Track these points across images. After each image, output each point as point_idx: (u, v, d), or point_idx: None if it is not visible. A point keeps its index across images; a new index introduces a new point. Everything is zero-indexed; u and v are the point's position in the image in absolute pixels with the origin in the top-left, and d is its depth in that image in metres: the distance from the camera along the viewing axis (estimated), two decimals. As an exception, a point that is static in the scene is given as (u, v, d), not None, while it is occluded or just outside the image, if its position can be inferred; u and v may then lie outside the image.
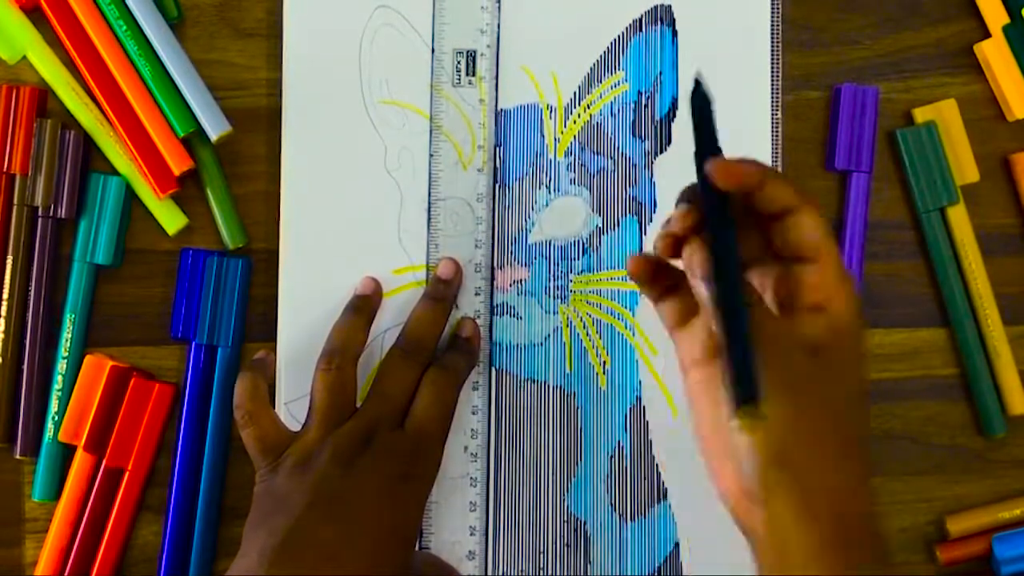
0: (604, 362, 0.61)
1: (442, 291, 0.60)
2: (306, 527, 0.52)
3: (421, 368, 0.58)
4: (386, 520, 0.53)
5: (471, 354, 0.60)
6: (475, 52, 0.61)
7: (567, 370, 0.61)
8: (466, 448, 0.60)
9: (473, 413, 0.60)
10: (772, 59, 0.62)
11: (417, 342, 0.59)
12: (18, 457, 0.60)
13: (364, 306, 0.60)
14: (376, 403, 0.56)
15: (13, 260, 0.59)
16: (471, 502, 0.60)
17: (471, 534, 0.60)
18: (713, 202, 0.47)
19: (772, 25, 0.62)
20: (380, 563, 0.53)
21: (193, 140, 0.60)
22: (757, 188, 0.47)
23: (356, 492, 0.53)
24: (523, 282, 0.62)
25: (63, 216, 0.59)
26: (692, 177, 0.61)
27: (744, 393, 0.43)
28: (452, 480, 0.61)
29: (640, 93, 0.62)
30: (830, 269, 0.47)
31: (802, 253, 0.47)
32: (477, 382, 0.61)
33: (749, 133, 0.62)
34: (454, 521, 0.60)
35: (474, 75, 0.61)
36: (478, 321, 0.61)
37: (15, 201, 0.59)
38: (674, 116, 0.62)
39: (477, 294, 0.61)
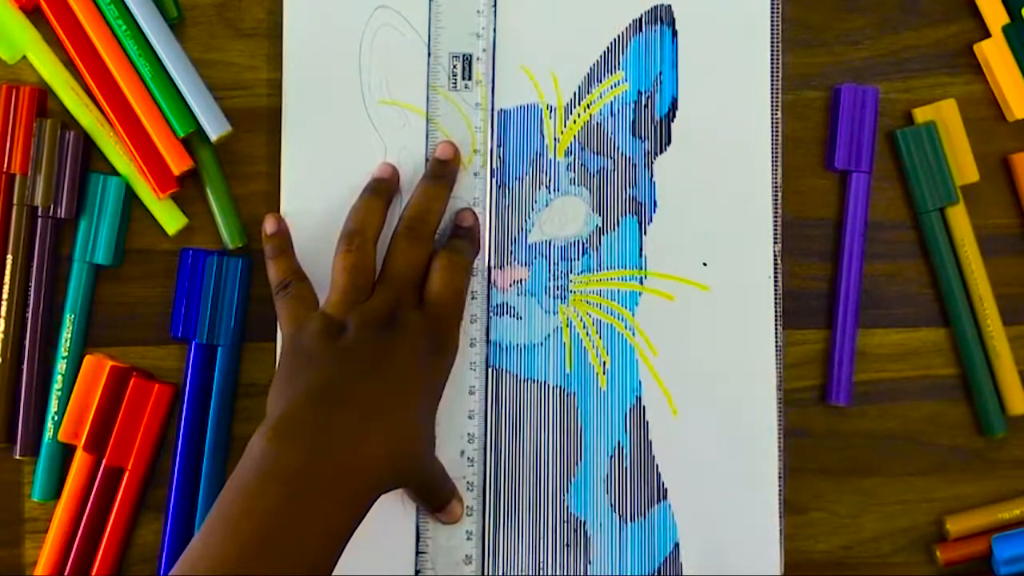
0: (604, 362, 0.61)
1: (442, 170, 0.60)
2: (342, 383, 0.53)
3: (427, 247, 0.58)
4: (417, 385, 0.55)
5: (474, 241, 0.60)
6: (471, 56, 0.61)
7: (567, 370, 0.61)
8: (463, 452, 0.60)
9: (470, 418, 0.60)
10: (772, 59, 0.62)
11: (421, 220, 0.59)
12: (18, 457, 0.60)
13: (382, 188, 0.60)
14: (391, 285, 0.57)
15: (13, 260, 0.59)
16: (468, 506, 0.60)
17: (468, 538, 0.60)
18: None
19: (772, 25, 0.62)
20: (416, 422, 0.55)
21: (193, 140, 0.60)
22: None
23: (388, 359, 0.54)
24: (523, 282, 0.61)
25: (63, 216, 0.59)
26: (691, 177, 0.62)
27: None
28: (451, 481, 0.61)
29: (640, 93, 0.62)
30: None
31: None
32: (473, 386, 0.61)
33: (749, 133, 0.62)
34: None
35: (471, 79, 0.61)
36: (476, 323, 0.61)
37: (15, 201, 0.59)
38: (674, 116, 0.62)
39: (474, 297, 0.61)
